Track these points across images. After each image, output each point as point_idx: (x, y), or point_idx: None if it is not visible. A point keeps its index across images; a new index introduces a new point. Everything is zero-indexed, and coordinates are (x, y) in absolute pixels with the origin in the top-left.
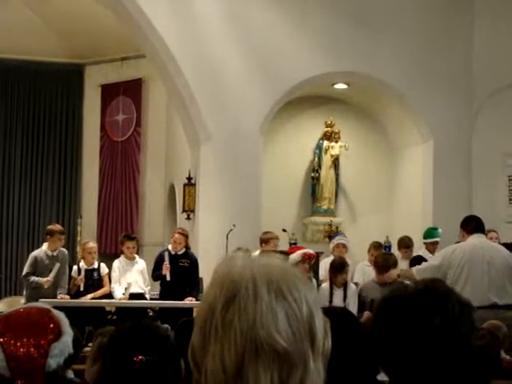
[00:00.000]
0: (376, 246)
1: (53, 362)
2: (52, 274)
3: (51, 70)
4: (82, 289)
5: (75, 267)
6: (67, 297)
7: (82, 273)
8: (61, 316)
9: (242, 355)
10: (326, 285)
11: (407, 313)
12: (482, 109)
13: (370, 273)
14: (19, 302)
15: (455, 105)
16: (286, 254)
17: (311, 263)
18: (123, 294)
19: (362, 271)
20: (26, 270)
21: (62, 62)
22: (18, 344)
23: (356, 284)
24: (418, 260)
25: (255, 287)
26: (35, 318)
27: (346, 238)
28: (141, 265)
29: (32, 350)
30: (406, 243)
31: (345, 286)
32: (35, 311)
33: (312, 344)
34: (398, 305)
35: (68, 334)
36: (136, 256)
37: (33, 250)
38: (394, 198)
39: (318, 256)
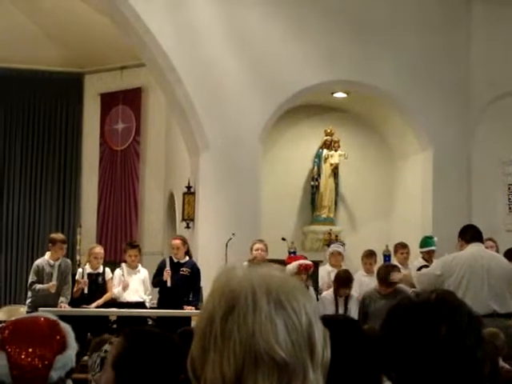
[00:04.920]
0: (367, 254)
1: (54, 375)
2: (55, 276)
3: (50, 79)
4: (85, 291)
5: (80, 270)
6: (68, 307)
7: (85, 275)
8: (67, 329)
9: (242, 366)
10: (328, 295)
11: (415, 320)
12: (481, 117)
13: (367, 283)
14: (19, 311)
15: (454, 113)
16: (283, 263)
17: (308, 273)
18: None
19: (358, 282)
20: (30, 279)
21: (62, 71)
22: (24, 353)
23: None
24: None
25: (254, 298)
26: (43, 329)
27: (343, 245)
28: (143, 274)
29: (37, 360)
30: (402, 244)
31: (346, 296)
32: (43, 321)
33: (311, 354)
34: (407, 312)
35: (73, 348)
36: (139, 265)
37: (32, 259)
38: (393, 206)
39: (317, 264)
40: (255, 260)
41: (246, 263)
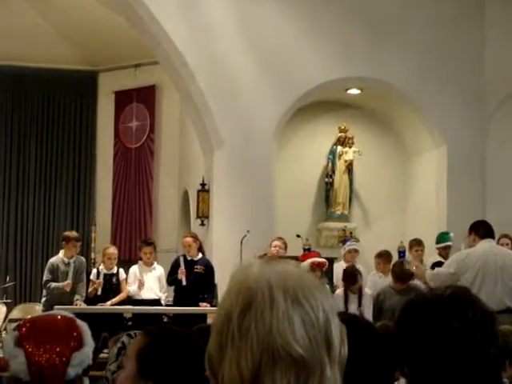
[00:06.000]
0: (379, 255)
1: (72, 372)
2: (70, 275)
3: (65, 78)
4: (99, 293)
5: (94, 270)
6: (83, 304)
7: (101, 276)
8: (84, 326)
9: (259, 362)
10: (340, 291)
11: (428, 316)
12: (495, 113)
13: (381, 284)
14: (34, 309)
15: (468, 109)
16: (297, 260)
17: (322, 270)
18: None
19: (373, 283)
20: (45, 277)
21: (76, 69)
22: (41, 350)
23: None
24: (439, 265)
25: (271, 294)
26: (60, 326)
27: (358, 242)
28: (158, 271)
29: (54, 356)
30: (417, 241)
31: (360, 291)
32: (60, 319)
33: (328, 351)
34: (420, 308)
35: (89, 345)
36: (154, 262)
37: (47, 257)
38: (407, 202)
39: (331, 260)
40: (265, 256)
41: (255, 259)
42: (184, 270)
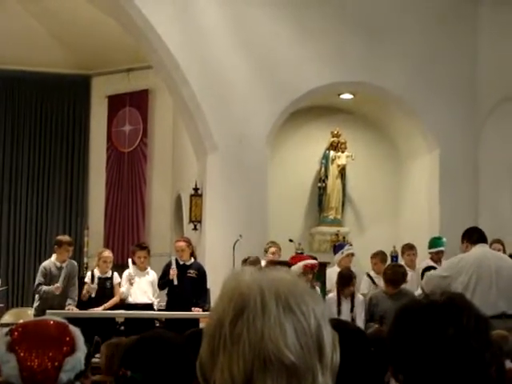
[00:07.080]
0: (375, 254)
1: (64, 376)
2: (61, 279)
3: (58, 82)
4: (93, 295)
5: (89, 273)
6: (75, 309)
7: (96, 280)
8: (77, 332)
9: (251, 369)
10: (333, 295)
11: (422, 322)
12: (488, 118)
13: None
14: (26, 313)
15: (461, 114)
16: (288, 264)
17: (314, 272)
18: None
19: (368, 282)
20: (37, 281)
21: (69, 73)
22: (33, 354)
23: (362, 295)
24: (430, 270)
25: (263, 301)
26: (52, 331)
27: (351, 246)
28: (151, 276)
29: (46, 361)
30: (409, 245)
31: (352, 296)
32: (52, 324)
33: (320, 357)
34: (414, 314)
35: (81, 351)
36: (148, 267)
37: (39, 262)
38: (400, 207)
39: (324, 265)
40: (249, 259)
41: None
42: (175, 269)
